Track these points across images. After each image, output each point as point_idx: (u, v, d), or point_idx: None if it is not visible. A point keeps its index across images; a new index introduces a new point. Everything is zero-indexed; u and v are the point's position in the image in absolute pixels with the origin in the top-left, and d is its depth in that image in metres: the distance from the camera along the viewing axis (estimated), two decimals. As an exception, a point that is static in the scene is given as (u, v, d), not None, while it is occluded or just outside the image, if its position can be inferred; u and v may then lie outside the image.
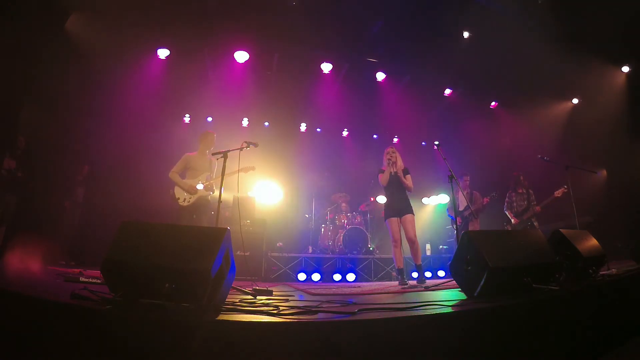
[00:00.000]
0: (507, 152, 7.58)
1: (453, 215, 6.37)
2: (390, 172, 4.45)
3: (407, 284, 4.01)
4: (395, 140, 8.91)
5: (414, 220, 4.34)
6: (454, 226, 6.40)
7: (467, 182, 6.16)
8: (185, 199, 4.35)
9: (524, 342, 1.76)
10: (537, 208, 5.53)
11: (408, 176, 4.50)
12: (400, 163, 4.56)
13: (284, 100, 7.51)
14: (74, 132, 5.91)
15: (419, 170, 8.60)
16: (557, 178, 5.23)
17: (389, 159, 4.50)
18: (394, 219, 4.34)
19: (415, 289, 3.54)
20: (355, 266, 5.83)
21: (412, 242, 4.25)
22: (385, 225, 4.49)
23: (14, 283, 2.23)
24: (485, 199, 5.90)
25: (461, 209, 5.92)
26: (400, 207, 4.37)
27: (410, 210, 4.37)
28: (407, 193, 4.49)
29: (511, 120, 7.89)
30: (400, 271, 4.23)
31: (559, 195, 5.31)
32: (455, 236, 6.35)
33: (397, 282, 4.57)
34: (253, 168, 4.48)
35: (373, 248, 6.32)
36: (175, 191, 4.41)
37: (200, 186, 4.38)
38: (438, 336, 1.59)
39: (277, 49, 6.55)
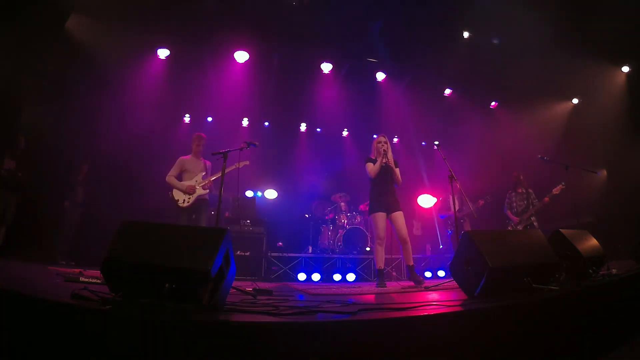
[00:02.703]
0: (507, 152, 7.58)
1: (445, 215, 6.41)
2: (382, 164, 4.10)
3: (385, 286, 3.78)
4: (395, 140, 8.90)
5: (403, 217, 4.05)
6: (447, 225, 6.43)
7: (457, 187, 6.17)
8: (184, 200, 4.42)
9: (524, 342, 1.76)
10: (546, 199, 5.42)
11: (397, 169, 4.17)
12: (390, 154, 4.21)
13: (284, 100, 7.51)
14: (74, 132, 5.91)
15: (419, 170, 8.63)
16: (557, 178, 5.23)
17: (382, 149, 4.13)
18: (382, 214, 4.00)
19: (415, 289, 3.54)
20: (355, 266, 5.83)
21: (405, 242, 3.97)
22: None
23: (14, 283, 2.23)
24: (480, 201, 5.92)
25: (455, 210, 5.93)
26: (389, 202, 4.04)
27: (399, 207, 4.06)
28: (395, 187, 4.19)
29: (511, 120, 7.89)
30: (381, 272, 3.95)
31: (557, 193, 5.30)
32: (450, 236, 6.38)
33: (396, 283, 4.57)
34: (247, 162, 4.46)
35: (370, 249, 6.31)
36: (173, 193, 4.50)
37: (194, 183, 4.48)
38: (438, 336, 1.59)
39: (277, 49, 6.55)
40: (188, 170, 4.57)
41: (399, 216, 4.01)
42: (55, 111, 5.45)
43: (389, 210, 4.03)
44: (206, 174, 4.63)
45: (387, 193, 4.10)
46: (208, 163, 4.74)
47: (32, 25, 4.48)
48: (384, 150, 4.14)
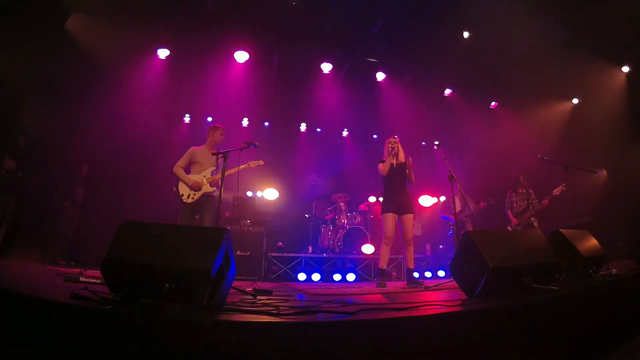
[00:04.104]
0: (507, 152, 7.59)
1: (447, 216, 6.41)
2: (392, 163, 4.20)
3: (385, 286, 3.83)
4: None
5: (413, 220, 4.16)
6: (449, 226, 6.44)
7: (458, 187, 6.17)
8: (189, 196, 4.15)
9: (524, 342, 1.76)
10: (544, 201, 5.42)
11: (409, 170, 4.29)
12: (402, 155, 4.32)
13: (284, 100, 7.52)
14: (74, 131, 5.91)
15: (418, 170, 8.62)
16: (557, 178, 5.22)
17: (392, 149, 4.25)
18: (392, 215, 4.07)
19: (415, 289, 3.54)
20: (355, 266, 5.83)
21: (409, 244, 4.06)
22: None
23: (14, 283, 2.23)
24: (482, 203, 5.91)
25: (456, 211, 5.94)
26: (401, 203, 4.11)
27: (411, 209, 4.14)
28: (409, 187, 4.28)
29: (511, 120, 7.89)
30: (382, 272, 4.03)
31: (557, 194, 5.30)
32: (451, 237, 6.38)
33: (397, 283, 4.56)
34: (261, 162, 4.26)
35: (370, 252, 6.30)
36: (179, 187, 4.23)
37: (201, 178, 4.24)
38: (438, 336, 1.59)
39: (277, 49, 6.56)
40: (198, 163, 4.26)
41: (408, 219, 4.10)
42: (55, 111, 5.45)
43: (399, 212, 4.11)
44: (216, 169, 4.31)
45: (399, 194, 4.18)
46: (221, 156, 4.53)
47: (32, 25, 4.48)
48: (393, 149, 4.25)
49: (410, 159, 4.30)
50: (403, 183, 4.25)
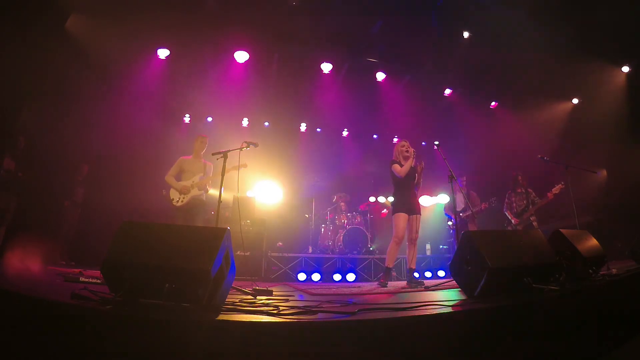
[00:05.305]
0: (507, 152, 7.59)
1: (451, 215, 6.41)
2: (412, 165, 4.25)
3: (386, 286, 3.87)
4: (395, 140, 8.91)
5: (420, 221, 4.24)
6: (452, 225, 6.45)
7: (464, 183, 6.17)
8: (178, 200, 4.49)
9: (524, 342, 1.76)
10: (549, 194, 5.35)
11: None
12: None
13: (284, 100, 7.51)
14: (74, 132, 5.90)
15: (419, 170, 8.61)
16: (557, 178, 5.23)
17: (407, 151, 4.32)
18: (404, 216, 4.14)
19: (415, 289, 3.54)
20: (355, 266, 5.83)
21: (414, 244, 4.16)
22: (385, 223, 4.34)
23: (15, 283, 2.23)
24: (483, 204, 5.90)
25: (459, 209, 5.93)
26: (412, 204, 4.22)
27: (419, 211, 4.26)
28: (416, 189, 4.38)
29: (511, 120, 7.89)
30: (388, 270, 4.10)
31: (557, 192, 5.30)
32: (454, 236, 6.38)
33: (397, 282, 4.57)
34: (245, 165, 4.30)
35: (373, 248, 6.31)
36: (170, 193, 4.59)
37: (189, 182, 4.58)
38: (438, 336, 1.59)
39: (277, 49, 6.56)
40: (187, 171, 4.62)
41: (416, 219, 4.20)
42: (55, 111, 5.44)
43: (410, 212, 4.19)
44: (204, 175, 4.65)
45: (410, 195, 4.28)
46: (209, 164, 4.75)
47: (32, 25, 4.48)
48: (414, 151, 4.29)
49: (423, 164, 4.36)
50: (413, 186, 4.35)
